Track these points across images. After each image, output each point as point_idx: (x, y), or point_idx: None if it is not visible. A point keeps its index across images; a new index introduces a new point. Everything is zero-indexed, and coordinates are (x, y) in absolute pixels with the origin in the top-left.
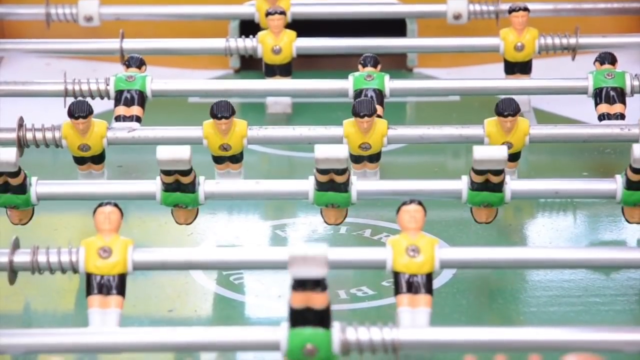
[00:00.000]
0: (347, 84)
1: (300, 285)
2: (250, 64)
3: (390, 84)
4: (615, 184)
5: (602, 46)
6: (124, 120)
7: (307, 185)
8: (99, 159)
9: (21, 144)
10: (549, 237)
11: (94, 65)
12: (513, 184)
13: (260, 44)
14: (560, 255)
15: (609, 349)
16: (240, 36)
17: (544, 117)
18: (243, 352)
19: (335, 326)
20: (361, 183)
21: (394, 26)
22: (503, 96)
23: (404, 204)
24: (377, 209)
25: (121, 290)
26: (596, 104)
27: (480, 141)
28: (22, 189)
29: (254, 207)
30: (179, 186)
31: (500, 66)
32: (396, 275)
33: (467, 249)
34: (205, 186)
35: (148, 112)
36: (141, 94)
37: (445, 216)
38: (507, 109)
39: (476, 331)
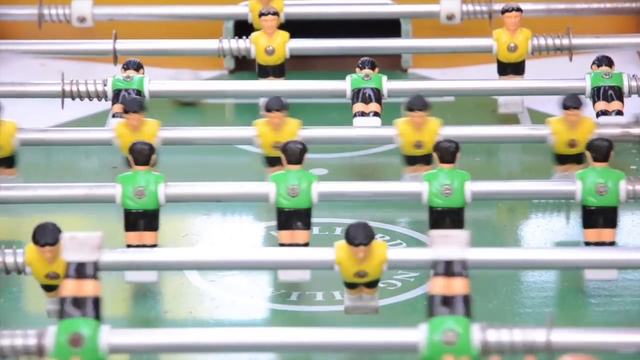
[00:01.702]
0: (344, 85)
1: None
2: (244, 65)
3: (387, 84)
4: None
5: (596, 47)
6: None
7: None
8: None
9: None
10: (544, 238)
11: (88, 66)
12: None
13: (254, 45)
14: (555, 256)
15: (603, 350)
16: (234, 37)
17: (538, 117)
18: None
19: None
20: (322, 184)
21: (388, 26)
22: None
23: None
24: (372, 210)
25: None
26: (594, 102)
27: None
28: None
29: (248, 208)
30: None
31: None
32: None
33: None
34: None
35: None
36: (138, 94)
37: None
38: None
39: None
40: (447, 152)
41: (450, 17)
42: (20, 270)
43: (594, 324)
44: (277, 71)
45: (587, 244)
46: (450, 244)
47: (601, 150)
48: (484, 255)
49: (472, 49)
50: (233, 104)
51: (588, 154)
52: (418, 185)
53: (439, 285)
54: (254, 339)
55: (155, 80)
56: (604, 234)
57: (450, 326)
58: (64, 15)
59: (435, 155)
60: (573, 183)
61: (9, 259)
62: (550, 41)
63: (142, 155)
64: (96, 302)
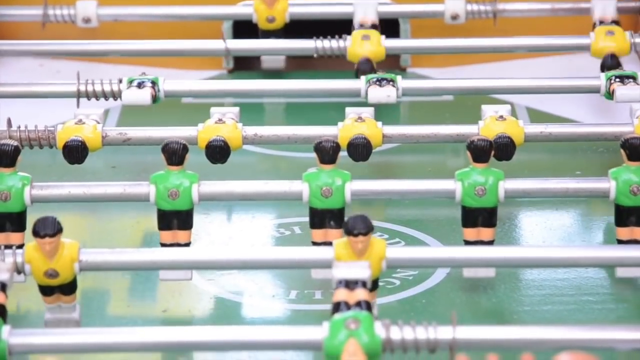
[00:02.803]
0: (359, 84)
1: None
2: (243, 64)
3: (402, 83)
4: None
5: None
6: None
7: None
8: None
9: None
10: (542, 235)
11: (86, 66)
12: (507, 184)
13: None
14: (554, 254)
15: (601, 347)
16: (234, 37)
17: (537, 116)
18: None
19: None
20: (356, 183)
21: (387, 26)
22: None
23: None
24: (371, 209)
25: None
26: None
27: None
28: None
29: (248, 208)
30: None
31: (495, 65)
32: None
33: (460, 248)
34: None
35: (141, 113)
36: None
37: (438, 215)
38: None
39: (468, 330)
40: (481, 150)
41: (454, 17)
42: (19, 270)
43: (593, 322)
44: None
45: (619, 242)
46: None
47: (637, 148)
48: (483, 254)
49: (472, 49)
50: (231, 104)
51: (622, 152)
52: (451, 183)
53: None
54: (252, 337)
55: (170, 80)
56: (636, 232)
57: (352, 316)
58: (68, 16)
59: (468, 154)
60: (607, 181)
61: (8, 259)
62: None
63: (175, 155)
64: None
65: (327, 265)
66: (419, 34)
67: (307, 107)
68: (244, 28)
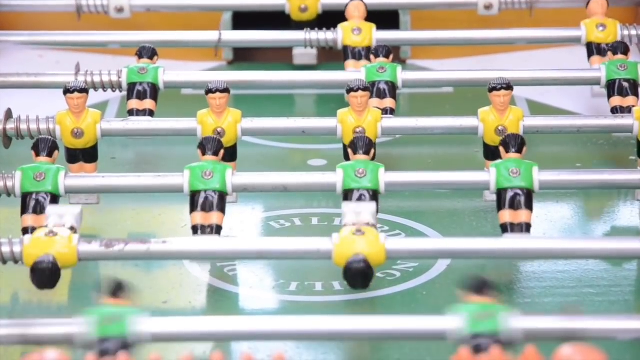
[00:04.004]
0: (359, 76)
1: None
2: (243, 56)
3: (402, 75)
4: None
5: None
6: (137, 114)
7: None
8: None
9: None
10: (543, 228)
11: (85, 57)
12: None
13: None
14: (554, 246)
15: (603, 338)
16: (233, 28)
17: (536, 108)
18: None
19: None
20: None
21: (387, 18)
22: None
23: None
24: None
25: None
26: (609, 97)
27: (474, 132)
28: None
29: (247, 199)
30: None
31: (495, 57)
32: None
33: (461, 239)
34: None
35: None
36: (154, 87)
37: (439, 207)
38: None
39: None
40: (514, 141)
41: (488, 7)
42: (16, 260)
43: (594, 314)
44: None
45: None
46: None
47: None
48: (484, 245)
49: (472, 42)
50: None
51: None
52: (485, 175)
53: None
54: (253, 328)
55: (170, 71)
56: None
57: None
58: (102, 7)
59: (501, 149)
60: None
61: (6, 249)
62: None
63: (212, 144)
64: None
65: (327, 256)
66: (419, 25)
67: (306, 98)
68: (244, 20)
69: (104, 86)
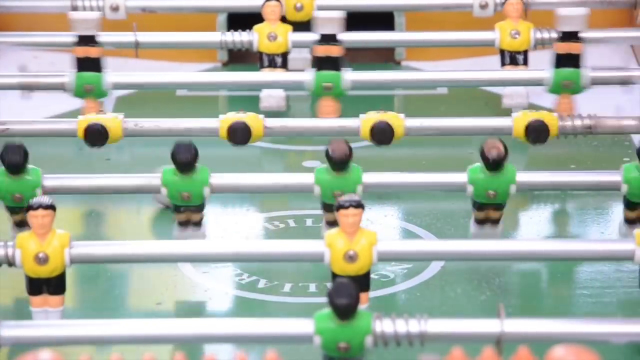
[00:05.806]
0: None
1: None
2: (238, 57)
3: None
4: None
5: (590, 40)
6: None
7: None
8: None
9: None
10: (537, 229)
11: None
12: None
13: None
14: (548, 248)
15: (596, 340)
16: (228, 30)
17: (532, 109)
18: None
19: None
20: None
21: (382, 19)
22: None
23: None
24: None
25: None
26: None
27: (470, 133)
28: None
29: (242, 200)
30: None
31: (490, 59)
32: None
33: (455, 241)
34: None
35: (135, 105)
36: None
37: (434, 208)
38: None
39: (464, 323)
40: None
41: (483, 7)
42: (10, 263)
43: (587, 316)
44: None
45: None
46: None
47: None
48: (478, 247)
49: (466, 43)
50: (226, 97)
51: None
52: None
53: None
54: (247, 330)
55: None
56: None
57: None
58: (97, 7)
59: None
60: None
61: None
62: (546, 35)
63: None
64: None
65: (320, 258)
66: (414, 27)
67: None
68: (239, 21)
69: None
